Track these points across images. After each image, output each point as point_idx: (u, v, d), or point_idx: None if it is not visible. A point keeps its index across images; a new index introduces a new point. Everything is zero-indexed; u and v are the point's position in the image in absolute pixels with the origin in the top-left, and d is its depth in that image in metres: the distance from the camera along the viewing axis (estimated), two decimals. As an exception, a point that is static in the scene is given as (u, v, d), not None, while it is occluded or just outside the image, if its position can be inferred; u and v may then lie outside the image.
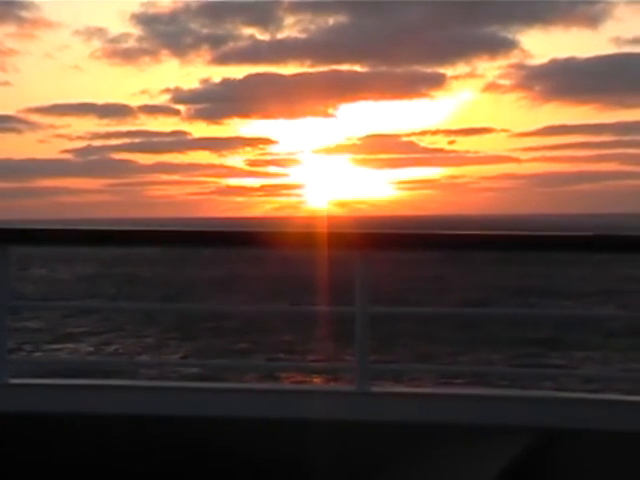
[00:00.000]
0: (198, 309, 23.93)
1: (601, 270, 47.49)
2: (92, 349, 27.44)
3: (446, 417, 4.20)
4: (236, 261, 54.16)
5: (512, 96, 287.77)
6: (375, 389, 4.32)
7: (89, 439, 4.28)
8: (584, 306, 34.37)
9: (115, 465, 4.26)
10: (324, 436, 4.15)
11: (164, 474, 4.25)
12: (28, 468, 4.26)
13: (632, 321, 25.60)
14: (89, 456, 4.27)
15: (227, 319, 28.86)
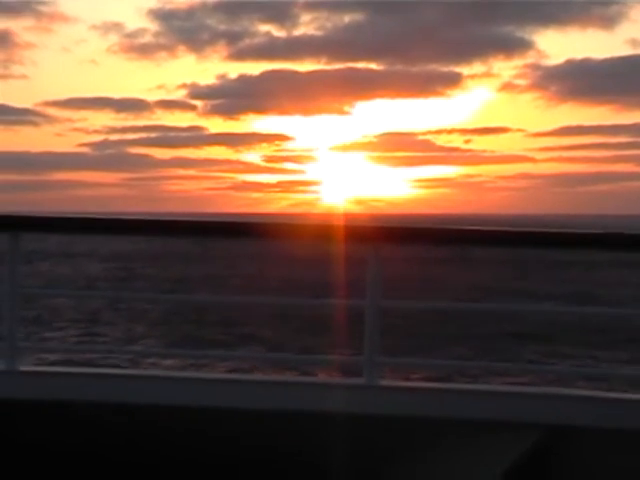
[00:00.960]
0: (203, 300, 24.03)
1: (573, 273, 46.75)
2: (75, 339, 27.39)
3: (454, 412, 4.21)
4: (237, 257, 53.42)
5: (528, 96, 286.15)
6: (384, 382, 4.33)
7: (98, 426, 4.31)
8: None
9: (123, 452, 4.28)
10: (332, 428, 4.17)
11: (170, 462, 4.28)
12: (37, 453, 4.30)
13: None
14: (98, 443, 4.30)
15: (232, 310, 28.77)
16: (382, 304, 4.28)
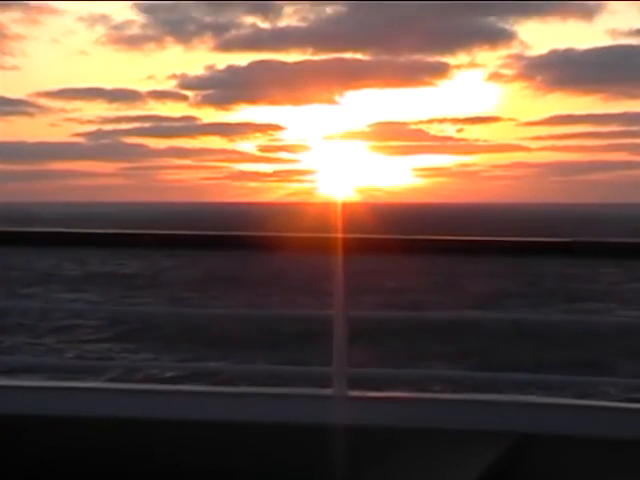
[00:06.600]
0: (161, 311, 23.56)
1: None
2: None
3: (424, 422, 4.19)
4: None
5: (515, 85, 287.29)
6: (353, 393, 4.30)
7: (71, 442, 4.28)
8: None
9: (99, 468, 4.27)
10: (301, 440, 4.15)
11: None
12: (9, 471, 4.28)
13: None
14: (69, 459, 4.27)
15: (196, 320, 28.14)
16: (350, 314, 4.25)
